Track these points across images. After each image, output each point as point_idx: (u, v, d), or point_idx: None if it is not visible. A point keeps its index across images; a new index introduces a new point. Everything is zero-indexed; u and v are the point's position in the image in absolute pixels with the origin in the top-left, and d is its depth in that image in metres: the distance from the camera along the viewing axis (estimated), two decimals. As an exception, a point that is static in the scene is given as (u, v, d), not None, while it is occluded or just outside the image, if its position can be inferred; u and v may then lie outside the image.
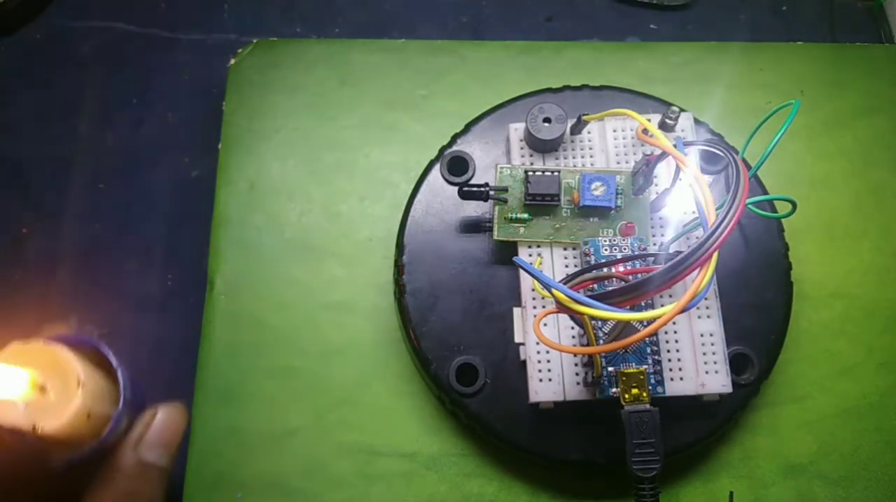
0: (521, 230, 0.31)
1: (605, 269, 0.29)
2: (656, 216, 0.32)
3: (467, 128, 0.35)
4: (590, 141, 0.33)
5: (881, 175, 0.37)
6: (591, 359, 0.29)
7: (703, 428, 0.31)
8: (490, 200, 0.32)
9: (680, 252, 0.23)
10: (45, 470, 0.27)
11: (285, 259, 0.36)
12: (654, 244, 0.32)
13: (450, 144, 0.35)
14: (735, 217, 0.23)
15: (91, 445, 0.27)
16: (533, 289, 0.31)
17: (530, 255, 0.31)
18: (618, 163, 0.33)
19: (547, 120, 0.32)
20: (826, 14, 0.42)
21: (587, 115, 0.32)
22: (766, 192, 0.34)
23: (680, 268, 0.23)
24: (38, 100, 0.41)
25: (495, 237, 0.31)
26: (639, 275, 0.29)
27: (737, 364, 0.31)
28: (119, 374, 0.28)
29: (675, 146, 0.27)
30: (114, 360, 0.28)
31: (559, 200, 0.31)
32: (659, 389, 0.29)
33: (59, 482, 0.28)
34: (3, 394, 0.25)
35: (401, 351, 0.34)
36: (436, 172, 0.34)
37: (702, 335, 0.30)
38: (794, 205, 0.30)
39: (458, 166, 0.32)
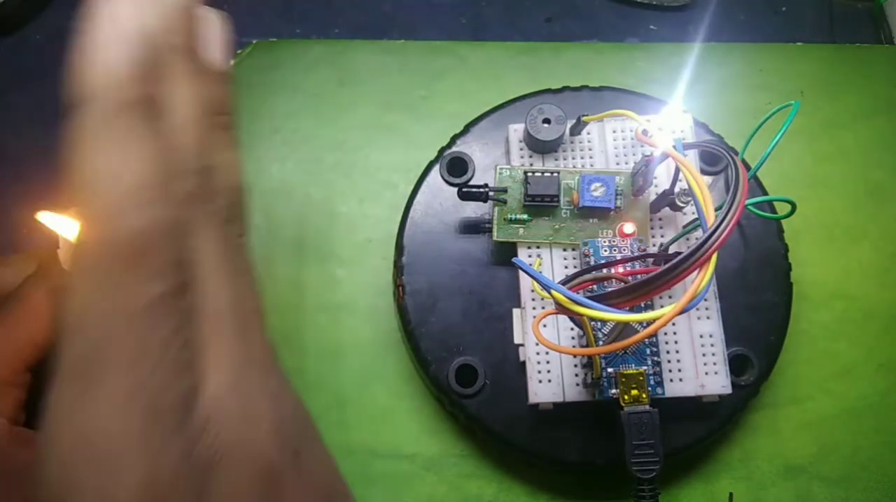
0: (521, 231, 0.31)
1: (604, 270, 0.29)
2: (656, 217, 0.32)
3: (467, 128, 0.35)
4: (589, 142, 0.33)
5: (881, 176, 0.37)
6: (590, 360, 0.28)
7: (702, 429, 0.31)
8: (489, 201, 0.31)
9: (679, 253, 0.23)
10: None
11: (284, 260, 0.36)
12: (654, 245, 0.31)
13: (449, 145, 0.35)
14: (734, 218, 0.23)
15: None
16: (532, 290, 0.31)
17: (530, 256, 0.31)
18: (617, 163, 0.33)
19: (546, 121, 0.32)
20: (826, 15, 0.42)
21: (587, 115, 0.32)
22: (765, 193, 0.34)
23: (679, 269, 0.23)
24: (37, 100, 0.41)
25: (495, 238, 0.31)
26: (638, 276, 0.29)
27: (736, 365, 0.31)
28: None
29: (674, 147, 0.27)
30: None
31: (559, 201, 0.31)
32: (658, 390, 0.29)
33: None
34: (66, 235, 0.28)
35: (400, 352, 0.34)
36: (435, 173, 0.34)
37: (701, 336, 0.30)
38: (794, 206, 0.30)
39: (457, 167, 0.32)
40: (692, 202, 0.29)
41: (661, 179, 0.32)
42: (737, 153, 0.27)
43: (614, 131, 0.33)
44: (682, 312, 0.23)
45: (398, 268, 0.33)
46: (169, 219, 0.19)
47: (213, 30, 0.24)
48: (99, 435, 0.18)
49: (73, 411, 0.18)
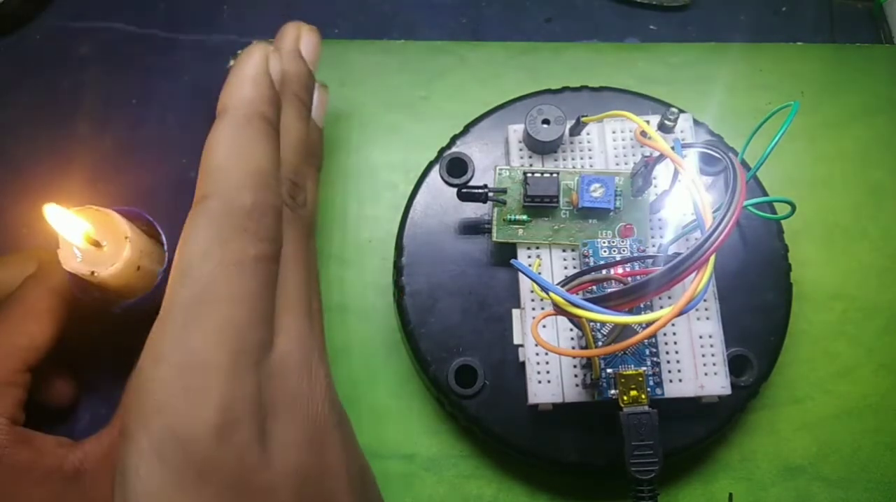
0: (520, 232, 0.31)
1: (603, 271, 0.29)
2: (655, 217, 0.32)
3: (466, 129, 0.35)
4: (589, 142, 0.33)
5: (881, 176, 0.37)
6: (589, 361, 0.28)
7: (702, 429, 0.31)
8: (489, 202, 0.32)
9: (679, 254, 0.23)
10: (104, 313, 0.32)
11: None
12: (653, 246, 0.31)
13: (449, 146, 0.35)
14: (732, 220, 0.23)
15: (142, 295, 0.32)
16: (532, 291, 0.31)
17: (529, 257, 0.31)
18: (617, 164, 0.33)
19: (546, 121, 0.32)
20: (826, 14, 0.42)
21: (586, 116, 0.32)
22: (765, 194, 0.34)
23: (677, 270, 0.23)
24: (37, 100, 0.41)
25: (494, 239, 0.31)
26: (638, 277, 0.29)
27: (736, 365, 0.31)
28: (163, 237, 0.32)
29: (672, 148, 0.27)
30: (158, 226, 0.33)
31: (558, 202, 0.31)
32: (658, 391, 0.29)
33: (117, 323, 0.32)
34: (68, 235, 0.29)
35: (400, 352, 0.34)
36: (435, 174, 0.34)
37: (701, 337, 0.30)
38: (794, 207, 0.30)
39: (457, 167, 0.32)
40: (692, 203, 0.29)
41: (661, 180, 0.32)
42: (736, 154, 0.27)
43: (614, 132, 0.33)
44: (680, 314, 0.23)
45: (398, 269, 0.33)
46: (273, 204, 0.26)
47: (320, 95, 0.33)
48: (194, 360, 0.22)
49: (176, 340, 0.23)
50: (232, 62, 0.38)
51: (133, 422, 0.22)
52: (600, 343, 0.28)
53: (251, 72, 0.27)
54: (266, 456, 0.23)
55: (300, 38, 0.32)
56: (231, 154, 0.25)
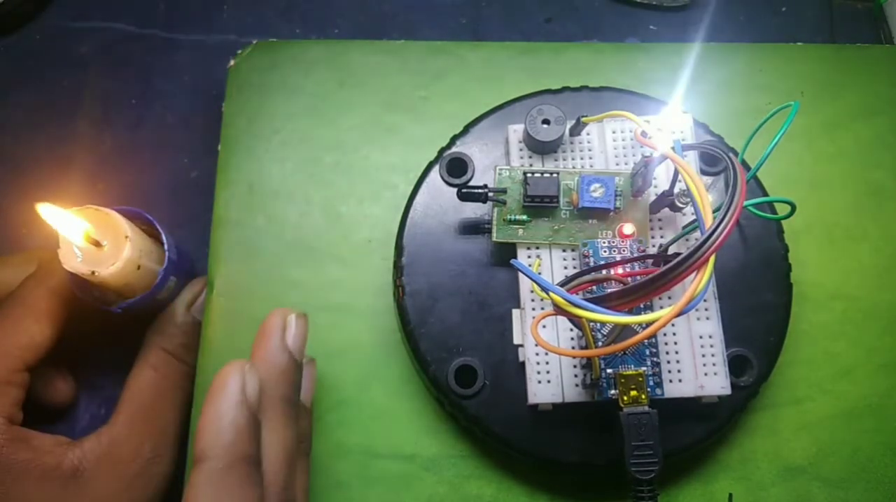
0: (520, 232, 0.31)
1: (603, 271, 0.29)
2: (655, 217, 0.32)
3: (466, 129, 0.35)
4: (589, 142, 0.33)
5: (881, 176, 0.37)
6: (589, 361, 0.28)
7: (701, 429, 0.31)
8: (489, 202, 0.31)
9: (678, 254, 0.23)
10: (105, 312, 0.32)
11: (285, 260, 0.36)
12: (653, 246, 0.31)
13: (449, 146, 0.35)
14: (732, 220, 0.23)
15: (142, 295, 0.32)
16: (532, 291, 0.31)
17: (529, 257, 0.31)
18: (617, 164, 0.33)
19: (546, 121, 0.32)
20: (826, 15, 0.42)
21: (586, 116, 0.32)
22: (765, 194, 0.34)
23: (677, 271, 0.23)
24: (37, 100, 0.41)
25: (494, 239, 0.31)
26: (637, 277, 0.29)
27: (736, 366, 0.31)
28: (163, 237, 0.33)
29: (672, 148, 0.27)
30: (158, 225, 0.33)
31: (558, 202, 0.31)
32: (658, 391, 0.29)
33: (117, 323, 0.33)
34: (67, 235, 0.29)
35: (400, 352, 0.34)
36: (435, 174, 0.34)
37: (701, 337, 0.30)
38: (794, 207, 0.30)
39: (457, 168, 0.32)
40: (691, 203, 0.29)
41: (661, 180, 0.32)
42: (736, 154, 0.27)
43: (614, 132, 0.33)
44: (680, 314, 0.23)
45: (398, 269, 0.33)
46: None
47: (308, 372, 0.32)
48: None
49: None
50: (232, 62, 0.39)
51: None
52: (600, 343, 0.28)
53: (227, 412, 0.25)
54: None
55: (286, 328, 0.29)
56: None
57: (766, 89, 0.39)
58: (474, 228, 0.33)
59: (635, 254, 0.30)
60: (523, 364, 0.30)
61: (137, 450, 0.32)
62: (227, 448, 0.25)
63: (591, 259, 0.30)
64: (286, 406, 0.28)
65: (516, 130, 0.33)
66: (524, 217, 0.31)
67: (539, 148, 0.33)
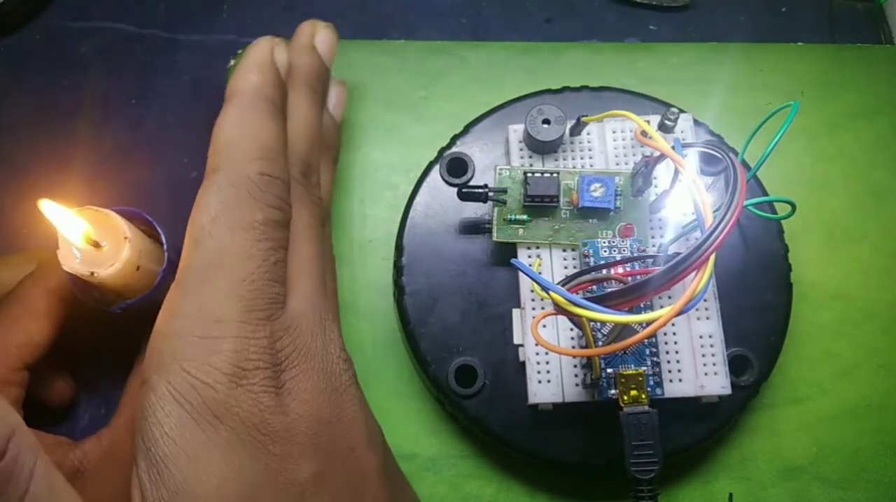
0: (521, 231, 0.31)
1: (603, 271, 0.29)
2: (655, 217, 0.32)
3: (466, 129, 0.35)
4: (589, 142, 0.33)
5: (881, 176, 0.37)
6: (589, 361, 0.28)
7: (701, 429, 0.31)
8: (489, 202, 0.32)
9: (679, 253, 0.23)
10: (104, 312, 0.32)
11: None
12: (654, 245, 0.31)
13: (449, 145, 0.35)
14: (732, 220, 0.23)
15: (142, 295, 0.32)
16: (532, 291, 0.31)
17: (529, 257, 0.31)
18: (617, 164, 0.33)
19: (546, 121, 0.32)
20: (826, 14, 0.42)
21: (586, 116, 0.32)
22: (765, 194, 0.34)
23: (677, 270, 0.23)
24: (37, 100, 0.41)
25: (494, 238, 0.31)
26: (638, 277, 0.29)
27: (736, 365, 0.31)
28: (163, 237, 0.33)
29: (672, 148, 0.27)
30: (157, 226, 0.33)
31: (558, 202, 0.31)
32: (658, 391, 0.29)
33: (117, 323, 0.33)
34: (63, 230, 0.29)
35: (400, 352, 0.34)
36: (435, 173, 0.34)
37: (701, 337, 0.30)
38: (794, 207, 0.30)
39: (457, 167, 0.32)
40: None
41: (661, 180, 0.32)
42: (736, 154, 0.27)
43: (614, 132, 0.33)
44: (680, 313, 0.23)
45: (398, 269, 0.33)
46: (279, 175, 0.27)
47: (338, 90, 0.35)
48: (208, 314, 0.24)
49: (190, 297, 0.24)
50: (232, 62, 0.39)
51: (151, 371, 0.24)
52: (600, 342, 0.28)
53: (256, 60, 0.29)
54: (281, 402, 0.24)
55: (315, 34, 0.33)
56: (236, 131, 0.27)
57: (766, 89, 0.39)
58: (474, 228, 0.33)
59: (635, 254, 0.30)
60: (523, 364, 0.30)
61: None
62: (253, 85, 0.28)
63: (592, 258, 0.30)
64: (311, 92, 0.31)
65: (516, 130, 0.33)
66: (524, 217, 0.31)
67: (539, 148, 0.33)
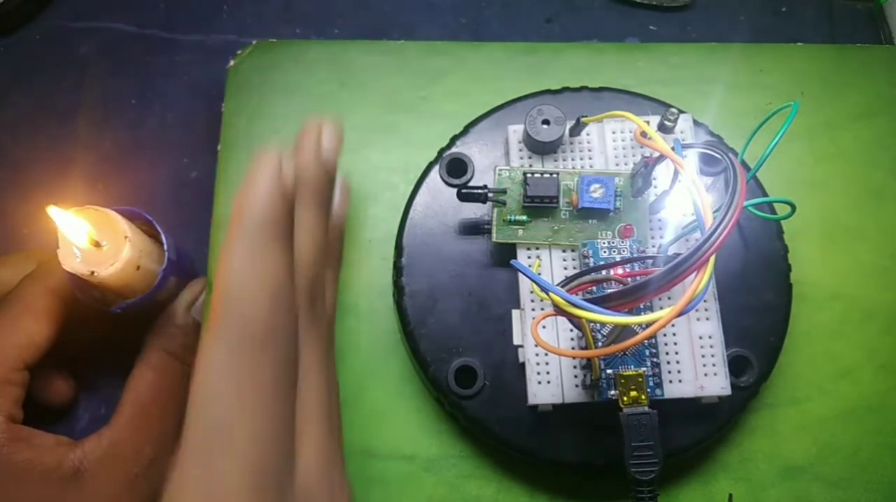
0: (520, 232, 0.31)
1: (603, 272, 0.29)
2: (655, 218, 0.32)
3: (466, 129, 0.35)
4: (589, 143, 0.33)
5: (881, 176, 0.37)
6: (589, 362, 0.28)
7: (701, 430, 0.31)
8: (489, 202, 0.32)
9: (679, 254, 0.23)
10: (105, 312, 0.32)
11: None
12: (653, 246, 0.31)
13: (449, 146, 0.35)
14: (732, 220, 0.23)
15: (142, 295, 0.32)
16: (532, 292, 0.31)
17: (529, 257, 0.31)
18: (617, 164, 0.33)
19: (546, 122, 0.32)
20: (826, 15, 0.42)
21: (586, 116, 0.32)
22: (765, 194, 0.34)
23: (677, 271, 0.23)
24: (37, 100, 0.41)
25: (494, 239, 0.31)
26: (637, 278, 0.29)
27: (736, 366, 0.31)
28: (163, 237, 0.33)
29: (672, 148, 0.27)
30: (157, 226, 0.33)
31: (558, 202, 0.31)
32: (658, 391, 0.29)
33: (117, 323, 0.33)
34: (69, 235, 0.29)
35: (399, 353, 0.34)
36: (435, 174, 0.34)
37: (701, 337, 0.30)
38: (794, 207, 0.30)
39: (456, 168, 0.32)
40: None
41: (661, 180, 0.32)
42: (736, 154, 0.27)
43: (613, 132, 0.33)
44: (680, 314, 0.23)
45: (398, 269, 0.33)
46: (289, 323, 0.25)
47: (342, 194, 0.33)
48: (217, 495, 0.22)
49: (199, 476, 0.23)
50: (232, 62, 0.39)
51: None
52: (600, 343, 0.28)
53: (264, 184, 0.26)
54: None
55: (321, 134, 0.30)
56: (244, 274, 0.24)
57: (766, 89, 0.39)
58: (474, 229, 0.33)
59: (635, 255, 0.30)
60: (523, 364, 0.30)
61: (138, 451, 0.32)
62: (260, 214, 0.25)
63: (591, 259, 0.30)
64: (318, 204, 0.29)
65: (516, 130, 0.33)
66: (524, 217, 0.31)
67: (539, 148, 0.33)
